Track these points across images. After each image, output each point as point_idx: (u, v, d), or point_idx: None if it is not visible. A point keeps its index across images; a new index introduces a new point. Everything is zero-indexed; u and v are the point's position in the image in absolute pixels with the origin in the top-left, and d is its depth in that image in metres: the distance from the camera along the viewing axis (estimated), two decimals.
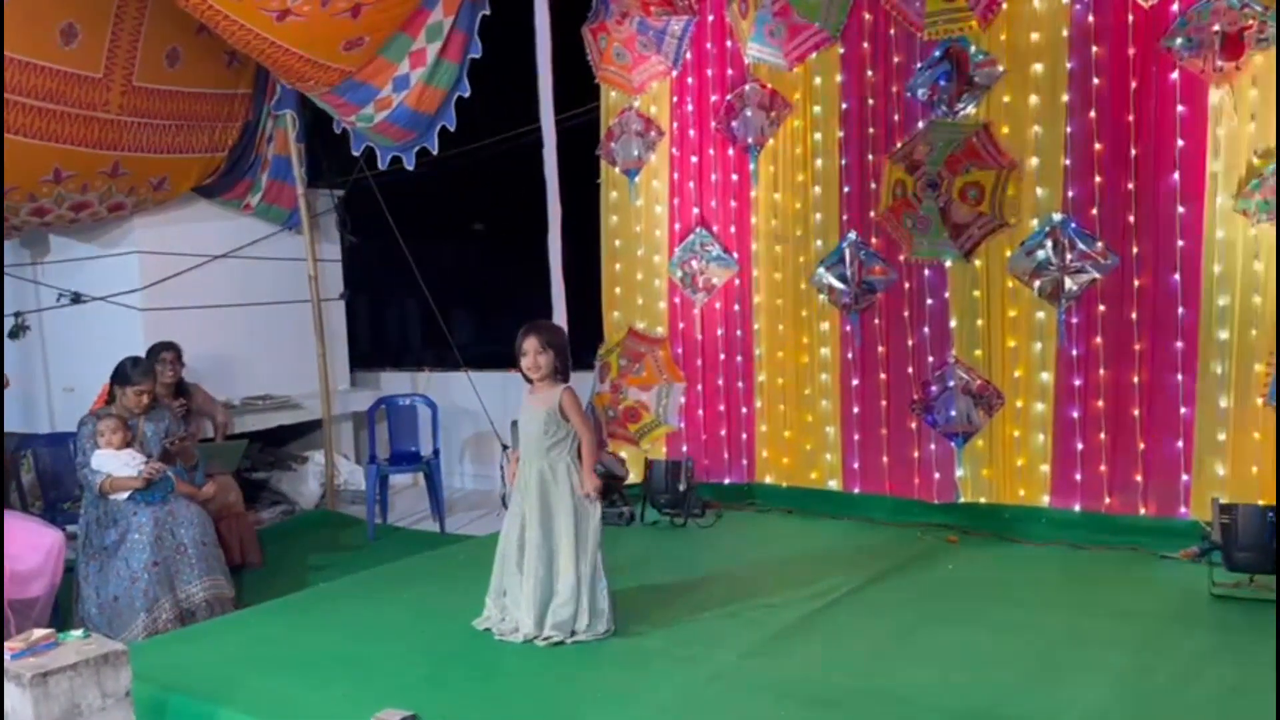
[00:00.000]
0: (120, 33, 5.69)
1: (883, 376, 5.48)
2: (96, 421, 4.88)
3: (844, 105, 5.51)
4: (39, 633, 2.89)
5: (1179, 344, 4.66)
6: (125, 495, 4.76)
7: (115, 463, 4.78)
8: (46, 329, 7.12)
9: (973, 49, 5.04)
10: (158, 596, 4.62)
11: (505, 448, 6.98)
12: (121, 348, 5.66)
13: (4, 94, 5.20)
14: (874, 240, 5.46)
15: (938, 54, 5.13)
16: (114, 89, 5.80)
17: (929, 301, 5.29)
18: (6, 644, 2.88)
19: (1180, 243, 4.63)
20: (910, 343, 5.37)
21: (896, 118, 5.32)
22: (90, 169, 6.00)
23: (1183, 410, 4.67)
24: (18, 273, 7.13)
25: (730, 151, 5.97)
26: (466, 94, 6.25)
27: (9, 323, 7.18)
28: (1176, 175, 4.61)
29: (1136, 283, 4.74)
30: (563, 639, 3.73)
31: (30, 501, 6.04)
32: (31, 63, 5.35)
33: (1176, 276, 4.64)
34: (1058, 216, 4.87)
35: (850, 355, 5.58)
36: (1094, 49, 4.74)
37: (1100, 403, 4.85)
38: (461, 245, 8.42)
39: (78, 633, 2.95)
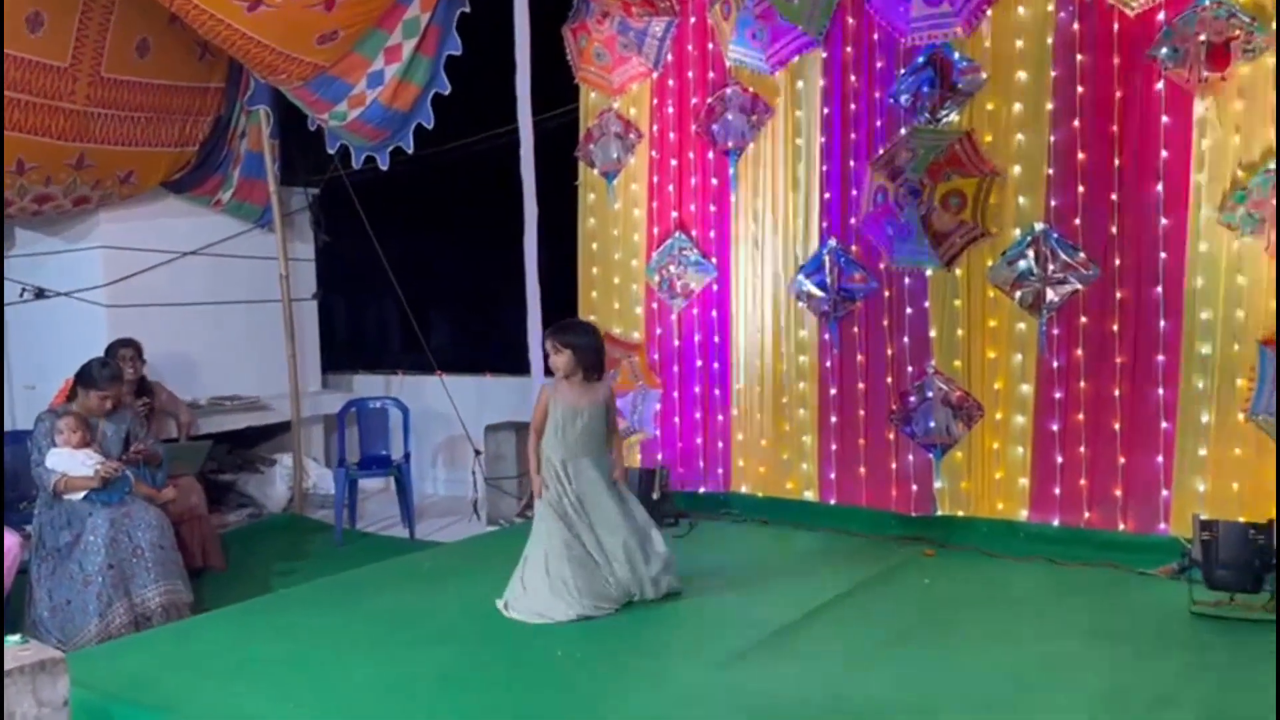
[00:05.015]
0: (89, 21, 5.57)
1: (861, 386, 5.39)
2: (55, 418, 4.74)
3: (825, 110, 5.44)
4: None
5: (1160, 357, 4.60)
6: (80, 495, 4.62)
7: (71, 462, 4.65)
8: (9, 325, 6.96)
9: (956, 55, 4.98)
10: (111, 600, 4.48)
11: (478, 453, 6.86)
12: (85, 345, 5.54)
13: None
14: (854, 247, 5.38)
15: (921, 60, 5.07)
16: (81, 79, 5.67)
17: (909, 310, 5.21)
18: None
19: (1163, 255, 4.56)
20: (889, 352, 5.28)
21: (879, 123, 5.24)
22: (54, 161, 5.86)
23: (1164, 425, 4.60)
24: None
25: (710, 155, 5.87)
26: (446, 90, 6.17)
27: None
28: (1160, 186, 4.55)
29: (1118, 295, 4.68)
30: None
31: None
32: None
33: (1159, 289, 4.58)
34: (1040, 226, 4.81)
35: (828, 364, 5.50)
36: (1079, 57, 4.68)
37: (1080, 416, 4.78)
38: (437, 246, 8.27)
39: (15, 638, 2.82)
